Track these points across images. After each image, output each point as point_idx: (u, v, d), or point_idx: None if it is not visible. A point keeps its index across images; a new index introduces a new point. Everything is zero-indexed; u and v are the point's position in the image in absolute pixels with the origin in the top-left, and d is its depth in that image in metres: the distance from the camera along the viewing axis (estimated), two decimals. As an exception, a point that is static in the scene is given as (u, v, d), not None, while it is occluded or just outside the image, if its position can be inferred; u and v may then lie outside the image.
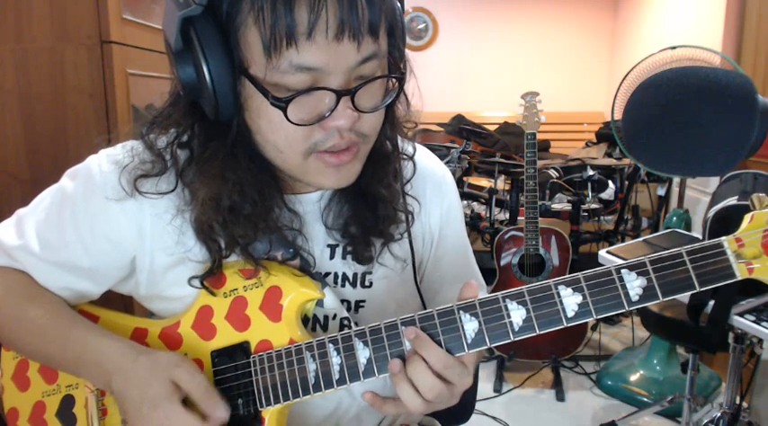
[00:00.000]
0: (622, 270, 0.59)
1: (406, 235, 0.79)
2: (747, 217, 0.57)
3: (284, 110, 0.60)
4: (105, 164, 0.73)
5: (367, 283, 0.79)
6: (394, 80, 0.67)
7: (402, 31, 0.68)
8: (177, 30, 0.59)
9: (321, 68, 0.59)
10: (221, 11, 0.59)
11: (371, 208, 0.75)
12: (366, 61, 0.61)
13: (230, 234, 0.69)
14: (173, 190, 0.70)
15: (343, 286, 0.78)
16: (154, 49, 1.66)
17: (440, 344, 0.62)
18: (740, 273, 0.56)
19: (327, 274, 0.77)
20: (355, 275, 0.78)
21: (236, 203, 0.67)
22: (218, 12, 0.59)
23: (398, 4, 0.66)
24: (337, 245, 0.77)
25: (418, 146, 0.86)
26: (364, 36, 0.60)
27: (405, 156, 0.79)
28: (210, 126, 0.67)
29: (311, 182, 0.69)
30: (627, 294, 0.59)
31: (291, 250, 0.74)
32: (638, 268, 0.59)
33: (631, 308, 0.59)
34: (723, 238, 0.57)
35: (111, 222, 0.72)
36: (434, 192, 0.85)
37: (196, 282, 0.72)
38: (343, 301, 0.77)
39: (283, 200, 0.73)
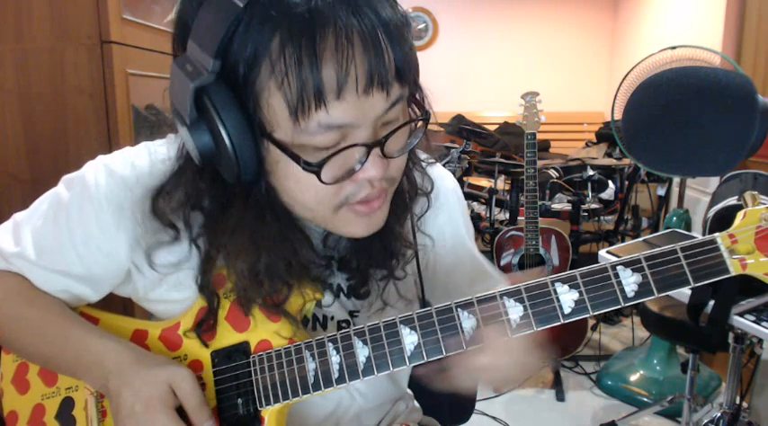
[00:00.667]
0: (618, 267, 0.59)
1: (409, 270, 0.77)
2: (740, 214, 0.58)
3: (318, 174, 0.58)
4: (102, 177, 0.71)
5: (362, 294, 0.78)
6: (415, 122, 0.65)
7: (416, 65, 0.64)
8: (191, 101, 0.56)
9: (350, 124, 0.57)
10: (237, 73, 0.55)
11: (381, 244, 0.72)
12: (392, 107, 0.59)
13: (262, 295, 0.68)
14: (188, 258, 0.70)
15: (338, 296, 0.77)
16: (154, 49, 1.66)
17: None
18: (734, 269, 0.57)
19: (324, 282, 0.76)
20: (350, 287, 0.78)
21: (271, 265, 0.66)
22: (232, 74, 0.55)
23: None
24: (332, 258, 0.76)
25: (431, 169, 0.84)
26: (392, 83, 0.57)
27: (422, 192, 0.77)
28: (228, 186, 0.64)
29: (341, 232, 0.67)
30: (623, 290, 0.59)
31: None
32: (633, 264, 0.59)
33: (627, 304, 0.59)
34: (717, 234, 0.58)
35: (105, 234, 0.71)
36: (433, 200, 0.82)
37: (192, 334, 0.72)
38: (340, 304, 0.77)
39: (312, 248, 0.71)
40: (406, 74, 0.59)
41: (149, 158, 0.72)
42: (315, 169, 0.57)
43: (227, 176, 0.60)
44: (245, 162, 0.57)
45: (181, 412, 0.65)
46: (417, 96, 0.66)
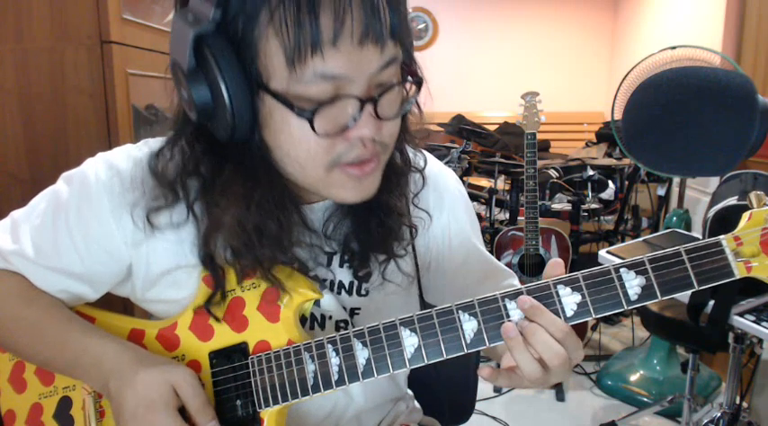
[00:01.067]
0: (621, 269, 0.59)
1: (410, 249, 0.78)
2: (746, 216, 0.57)
3: (311, 122, 0.58)
4: (102, 172, 0.71)
5: (363, 292, 0.78)
6: (409, 85, 0.66)
7: (411, 34, 0.67)
8: (190, 49, 0.57)
9: (345, 76, 0.58)
10: (236, 25, 0.57)
11: (380, 221, 0.73)
12: (386, 66, 0.60)
13: (254, 256, 0.67)
14: (187, 219, 0.70)
15: (339, 293, 0.77)
16: (154, 49, 1.65)
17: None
18: (739, 272, 0.56)
19: (324, 280, 0.76)
20: (351, 283, 0.78)
21: (261, 224, 0.66)
22: (231, 26, 0.57)
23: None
24: (335, 253, 0.76)
25: (426, 153, 0.85)
26: (387, 40, 0.59)
27: (415, 169, 0.78)
28: (222, 149, 0.65)
29: (332, 197, 0.67)
30: (626, 293, 0.59)
31: (289, 254, 0.73)
32: (636, 267, 0.58)
33: (630, 308, 0.59)
34: (722, 237, 0.57)
35: (105, 231, 0.71)
36: (436, 200, 0.84)
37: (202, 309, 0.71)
38: (339, 304, 0.77)
39: (301, 216, 0.71)
40: (401, 34, 0.61)
41: (149, 152, 0.72)
42: (308, 115, 0.58)
43: (222, 132, 0.61)
44: (240, 112, 0.59)
45: (183, 412, 0.65)
46: (413, 67, 0.67)
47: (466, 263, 0.86)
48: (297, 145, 0.61)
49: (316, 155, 0.62)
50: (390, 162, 0.72)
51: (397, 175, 0.74)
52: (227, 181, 0.66)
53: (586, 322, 2.50)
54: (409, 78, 0.66)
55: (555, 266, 0.62)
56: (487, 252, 0.89)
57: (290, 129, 0.60)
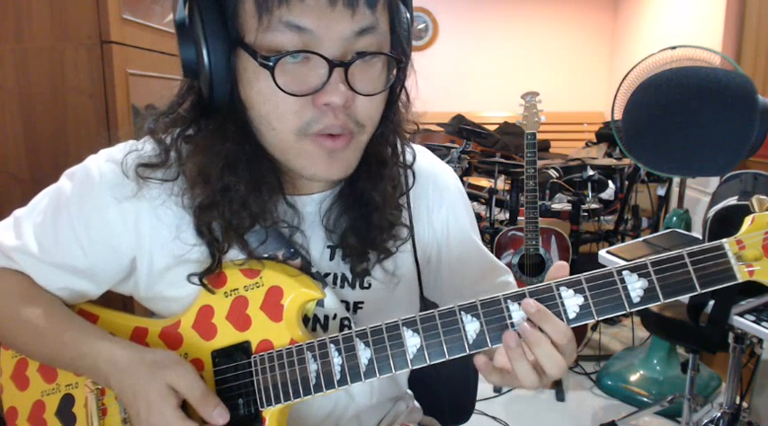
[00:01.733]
0: (624, 272, 0.59)
1: (405, 247, 0.78)
2: (748, 220, 0.57)
3: (272, 71, 0.59)
4: (104, 165, 0.72)
5: (366, 284, 0.78)
6: (395, 71, 0.66)
7: (407, 23, 0.67)
8: (180, 3, 0.61)
9: (312, 31, 0.59)
10: None
11: (366, 216, 0.74)
12: (362, 34, 0.60)
13: (225, 218, 0.68)
14: (176, 179, 0.70)
15: (342, 287, 0.78)
16: (154, 49, 1.66)
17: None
18: (741, 275, 0.56)
19: (327, 275, 0.77)
20: (354, 276, 0.78)
21: (231, 184, 0.67)
22: None
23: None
24: (337, 247, 0.77)
25: (418, 147, 0.85)
26: (359, 5, 0.59)
27: (402, 165, 0.77)
28: (208, 109, 0.67)
29: (304, 170, 0.67)
30: (628, 295, 0.59)
31: (292, 249, 0.74)
32: (639, 269, 0.59)
33: (632, 310, 0.59)
34: (724, 240, 0.57)
35: (108, 224, 0.71)
36: (436, 196, 0.84)
37: (195, 279, 0.71)
38: (341, 302, 0.77)
39: (283, 195, 0.72)
40: (377, 3, 0.61)
41: (151, 146, 0.73)
42: (269, 64, 0.59)
43: (205, 90, 0.63)
44: (216, 68, 0.61)
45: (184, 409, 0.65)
46: (399, 53, 0.66)
47: (464, 259, 0.86)
48: (266, 102, 0.62)
49: (283, 115, 0.62)
50: (377, 152, 0.72)
51: (384, 168, 0.74)
52: (204, 136, 0.67)
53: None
54: (395, 61, 0.65)
55: (559, 269, 0.62)
56: (485, 249, 0.90)
57: (258, 84, 0.62)
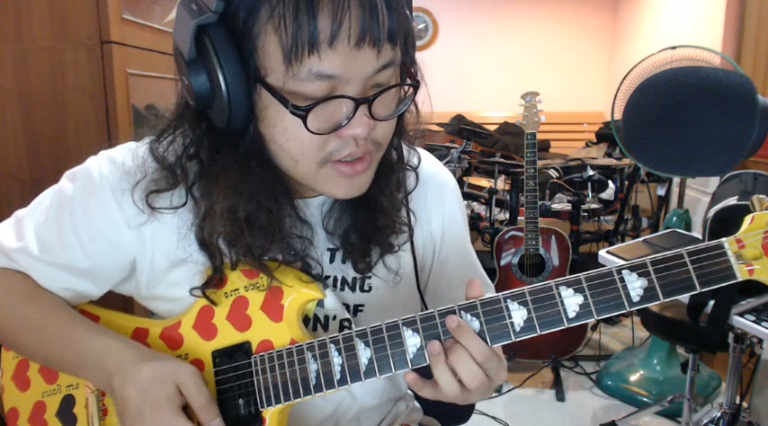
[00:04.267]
0: (623, 271, 0.59)
1: (405, 246, 0.78)
2: (748, 219, 0.57)
3: (304, 119, 0.59)
4: (105, 166, 0.72)
5: (366, 288, 0.79)
6: (407, 87, 0.67)
7: (413, 38, 0.67)
8: (191, 38, 0.59)
9: (340, 76, 0.59)
10: (237, 18, 0.58)
11: (371, 218, 0.74)
12: (383, 68, 0.61)
13: (246, 245, 0.68)
14: (184, 204, 0.70)
15: (342, 289, 0.78)
16: (154, 49, 1.66)
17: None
18: (741, 274, 0.56)
19: (327, 277, 0.77)
20: (354, 279, 0.78)
21: (252, 214, 0.67)
22: (232, 19, 0.58)
23: (408, 11, 0.66)
24: (338, 250, 0.77)
25: (421, 150, 0.85)
26: (384, 43, 0.59)
27: (409, 167, 0.78)
28: (220, 135, 0.66)
29: (323, 191, 0.68)
30: (628, 295, 0.59)
31: (293, 251, 0.74)
32: (639, 269, 0.59)
33: (632, 309, 0.59)
34: (724, 239, 0.57)
35: (109, 225, 0.72)
36: (435, 197, 0.84)
37: (197, 292, 0.72)
38: (342, 304, 0.77)
39: (294, 208, 0.72)
40: (398, 38, 0.61)
41: (151, 138, 0.73)
42: (302, 113, 0.59)
43: (218, 121, 0.63)
44: (236, 104, 0.60)
45: (186, 410, 0.65)
46: (412, 70, 0.67)
47: (451, 262, 0.87)
48: (291, 140, 0.62)
49: (308, 151, 0.63)
50: (385, 159, 0.72)
51: (391, 172, 0.74)
52: (221, 168, 0.67)
53: (587, 322, 2.50)
54: (408, 80, 0.66)
55: (472, 288, 0.65)
56: (476, 258, 0.90)
57: (284, 125, 0.61)
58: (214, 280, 0.71)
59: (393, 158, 0.75)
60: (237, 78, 0.59)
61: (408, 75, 0.67)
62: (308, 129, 0.60)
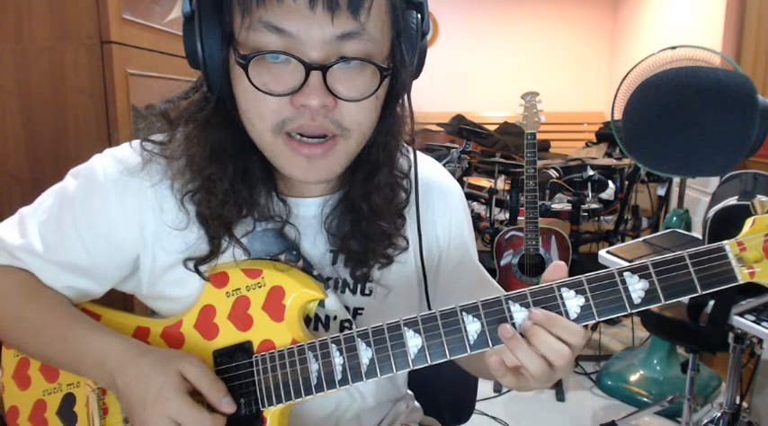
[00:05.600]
0: (625, 273, 0.59)
1: (407, 258, 0.78)
2: (749, 222, 0.57)
3: (245, 68, 0.60)
4: (109, 164, 0.73)
5: (367, 291, 0.78)
6: (391, 79, 0.66)
7: (407, 29, 0.66)
8: None
9: (292, 33, 0.59)
10: None
11: (360, 224, 0.73)
12: (346, 38, 0.60)
13: (211, 207, 0.69)
14: (178, 159, 0.71)
15: (342, 292, 0.78)
16: (154, 49, 1.66)
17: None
18: (742, 277, 0.57)
19: (329, 279, 0.77)
20: (356, 282, 0.78)
21: (213, 173, 0.67)
22: None
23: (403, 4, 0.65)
24: (339, 251, 0.77)
25: (426, 157, 0.85)
26: (341, 9, 0.58)
27: (400, 174, 0.77)
28: (211, 103, 0.68)
29: (284, 170, 0.67)
30: (629, 297, 0.59)
31: (294, 252, 0.74)
32: (640, 271, 0.59)
33: (633, 311, 0.59)
34: (725, 242, 0.57)
35: (111, 222, 0.72)
36: (441, 205, 0.84)
37: (190, 264, 0.71)
38: (342, 305, 0.77)
39: (276, 191, 0.72)
40: (361, 8, 0.59)
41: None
42: (243, 62, 0.60)
43: (206, 84, 0.65)
44: (211, 64, 0.62)
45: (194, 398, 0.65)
46: (395, 61, 0.66)
47: (461, 268, 0.86)
48: (248, 99, 0.63)
49: (264, 114, 0.63)
50: (370, 157, 0.71)
51: (378, 175, 0.73)
52: (194, 126, 0.68)
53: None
54: (384, 66, 0.64)
55: (556, 269, 0.62)
56: (479, 264, 0.89)
57: (243, 82, 0.62)
58: (210, 256, 0.71)
59: (379, 159, 0.73)
60: (215, 38, 0.61)
61: (392, 63, 0.65)
62: (250, 82, 0.60)
